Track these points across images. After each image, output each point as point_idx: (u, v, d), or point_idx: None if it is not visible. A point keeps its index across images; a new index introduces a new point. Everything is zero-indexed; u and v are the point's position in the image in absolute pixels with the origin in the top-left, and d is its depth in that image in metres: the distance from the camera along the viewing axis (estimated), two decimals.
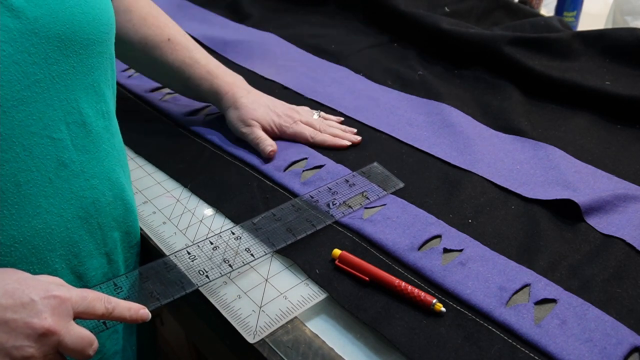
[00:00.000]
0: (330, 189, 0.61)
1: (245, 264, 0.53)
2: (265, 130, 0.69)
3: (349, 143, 0.70)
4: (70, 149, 0.47)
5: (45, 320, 0.38)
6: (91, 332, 0.41)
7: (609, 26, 1.00)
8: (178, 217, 0.61)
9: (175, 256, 0.53)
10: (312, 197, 0.60)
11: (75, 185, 0.48)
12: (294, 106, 0.74)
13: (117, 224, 0.54)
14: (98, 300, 0.42)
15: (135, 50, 0.71)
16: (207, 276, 0.51)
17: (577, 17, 1.02)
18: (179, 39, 0.71)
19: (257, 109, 0.70)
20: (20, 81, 0.42)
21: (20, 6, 0.42)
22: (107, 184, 0.52)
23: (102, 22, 0.48)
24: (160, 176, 0.68)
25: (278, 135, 0.70)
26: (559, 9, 1.01)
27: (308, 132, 0.70)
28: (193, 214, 0.61)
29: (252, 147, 0.69)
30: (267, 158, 0.67)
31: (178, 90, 0.77)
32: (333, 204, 0.59)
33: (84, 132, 0.48)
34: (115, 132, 0.54)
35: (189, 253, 0.53)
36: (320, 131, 0.71)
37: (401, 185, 0.62)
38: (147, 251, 0.60)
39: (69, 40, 0.45)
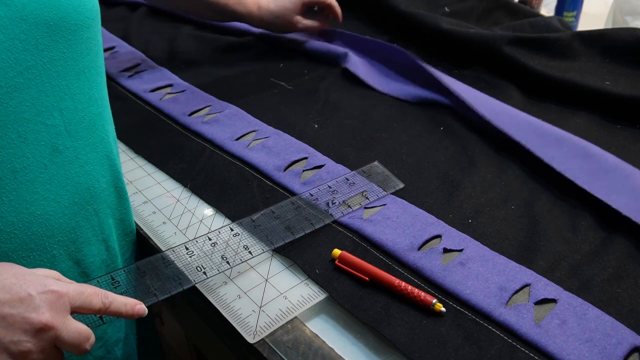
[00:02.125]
0: (330, 187, 0.61)
1: (243, 262, 0.53)
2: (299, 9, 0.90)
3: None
4: (64, 135, 0.48)
5: (42, 315, 0.38)
6: (88, 326, 0.41)
7: (609, 26, 1.00)
8: (178, 217, 0.61)
9: (173, 251, 0.53)
10: (312, 195, 0.60)
11: (70, 172, 0.49)
12: None
13: (111, 211, 0.55)
14: (95, 295, 0.42)
15: None
16: (204, 273, 0.51)
17: (577, 17, 1.02)
18: None
19: (288, 2, 0.89)
20: (13, 68, 0.43)
21: None
22: (100, 171, 0.52)
23: (88, 8, 0.48)
24: (160, 176, 0.68)
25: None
26: (559, 9, 1.01)
27: None
28: (193, 214, 0.61)
29: (252, 148, 0.70)
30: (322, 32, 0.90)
31: (202, 13, 0.91)
32: (332, 203, 0.59)
33: (77, 118, 0.49)
34: (108, 120, 0.55)
35: (187, 248, 0.53)
36: None
37: (401, 185, 0.62)
38: (147, 251, 0.60)
39: (57, 26, 0.45)
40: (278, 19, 0.90)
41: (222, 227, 0.57)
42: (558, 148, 0.64)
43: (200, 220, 0.60)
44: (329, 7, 0.93)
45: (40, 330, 0.38)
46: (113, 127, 0.57)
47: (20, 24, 0.43)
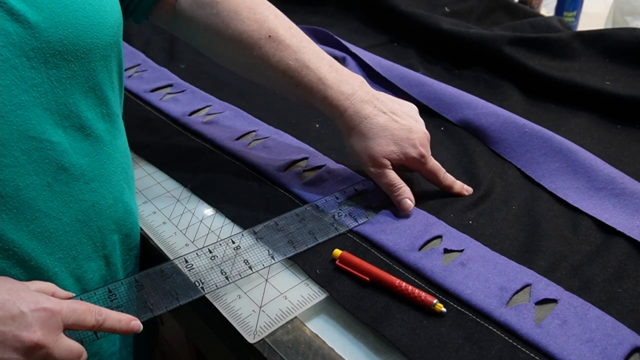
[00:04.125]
0: (337, 198, 0.60)
1: (242, 277, 0.52)
2: (396, 163, 0.58)
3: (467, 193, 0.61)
4: (69, 153, 0.46)
5: (34, 334, 0.38)
6: (82, 341, 0.41)
7: (609, 26, 1.00)
8: (178, 217, 0.61)
9: (172, 264, 0.52)
10: (318, 207, 0.59)
11: (75, 189, 0.48)
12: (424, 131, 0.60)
13: (116, 227, 0.54)
14: (88, 312, 0.42)
15: (227, 49, 0.60)
16: (202, 288, 0.50)
17: (577, 17, 1.02)
18: (283, 34, 0.58)
19: (390, 142, 0.57)
20: (18, 85, 0.42)
21: (21, 10, 0.41)
22: (107, 187, 0.51)
23: (107, 26, 0.47)
24: (160, 176, 0.68)
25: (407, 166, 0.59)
26: (559, 9, 1.01)
27: (442, 171, 0.60)
28: (193, 214, 0.61)
29: (252, 148, 0.69)
30: (404, 211, 0.57)
31: (284, 94, 0.62)
32: (339, 216, 0.58)
33: (82, 136, 0.48)
34: (119, 134, 0.54)
35: (186, 261, 0.53)
36: None
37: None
38: (147, 251, 0.60)
39: (71, 44, 0.44)
40: (366, 144, 0.57)
41: (222, 239, 0.56)
42: (549, 163, 0.64)
43: (200, 220, 0.60)
44: (442, 187, 0.61)
45: (32, 349, 0.38)
46: (125, 139, 0.55)
47: (31, 42, 0.42)
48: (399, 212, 0.58)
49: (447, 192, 0.61)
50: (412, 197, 0.57)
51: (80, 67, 0.46)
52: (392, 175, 0.57)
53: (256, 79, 0.62)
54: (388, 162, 0.57)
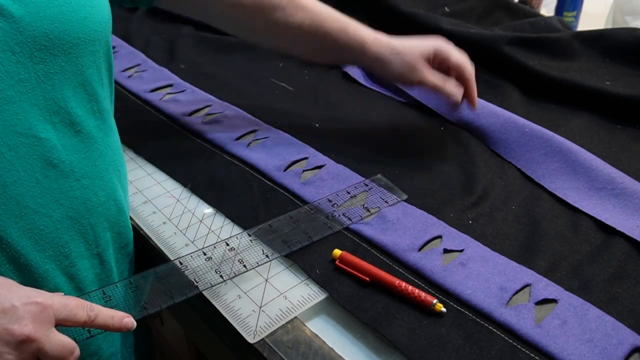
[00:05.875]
0: (330, 200, 0.60)
1: (237, 275, 0.52)
2: (433, 55, 0.66)
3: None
4: (58, 149, 0.46)
5: (25, 327, 0.38)
6: (75, 339, 0.41)
7: (609, 26, 1.00)
8: (178, 217, 0.61)
9: (167, 266, 0.52)
10: (311, 210, 0.59)
11: (65, 186, 0.47)
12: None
13: (109, 225, 0.53)
14: (80, 307, 0.41)
15: (248, 16, 0.65)
16: (197, 287, 0.51)
17: (577, 17, 1.02)
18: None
19: (420, 42, 0.66)
20: (4, 80, 0.42)
21: (4, 4, 0.41)
22: (99, 184, 0.51)
23: (95, 21, 0.47)
24: (160, 176, 0.68)
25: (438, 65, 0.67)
26: (559, 9, 1.01)
27: (469, 65, 0.67)
28: (193, 214, 0.61)
29: (252, 148, 0.70)
30: (454, 105, 0.65)
31: (306, 54, 0.70)
32: (332, 216, 0.58)
33: (73, 132, 0.47)
34: (110, 131, 0.53)
35: (181, 263, 0.53)
36: None
37: (405, 197, 0.61)
38: (146, 251, 0.60)
39: (57, 39, 0.44)
40: (397, 56, 0.65)
41: (217, 242, 0.56)
42: (549, 163, 0.64)
43: (200, 220, 0.60)
44: (465, 82, 0.67)
45: (23, 342, 0.38)
46: (117, 136, 0.55)
47: (15, 36, 0.41)
48: (398, 212, 0.58)
49: (464, 86, 0.66)
50: (457, 90, 0.64)
51: (68, 62, 0.45)
52: (432, 76, 0.64)
53: (278, 43, 0.68)
54: (423, 62, 0.64)
